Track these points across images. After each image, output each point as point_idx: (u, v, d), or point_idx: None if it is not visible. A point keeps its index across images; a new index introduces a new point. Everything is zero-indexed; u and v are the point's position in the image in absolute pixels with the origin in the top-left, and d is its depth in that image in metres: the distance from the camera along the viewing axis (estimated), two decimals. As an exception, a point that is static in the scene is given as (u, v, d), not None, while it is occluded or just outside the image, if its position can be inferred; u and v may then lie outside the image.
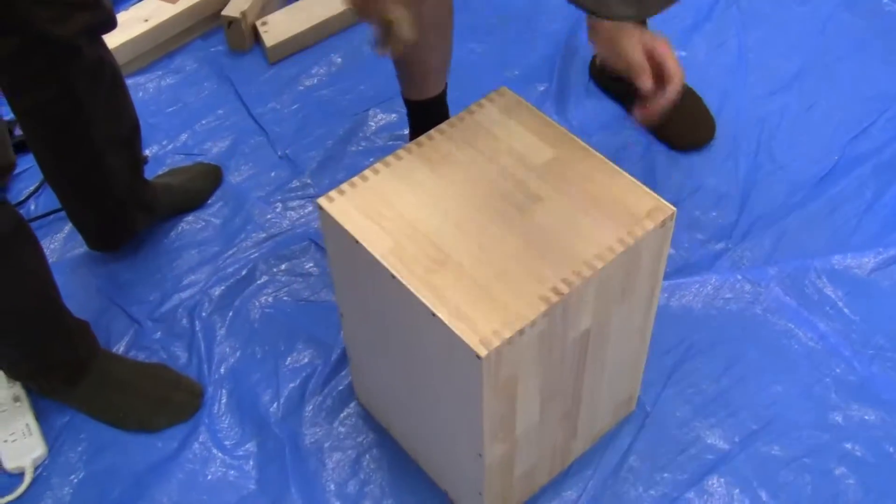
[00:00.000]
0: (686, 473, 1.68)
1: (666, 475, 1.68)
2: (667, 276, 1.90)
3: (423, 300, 1.25)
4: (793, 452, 1.70)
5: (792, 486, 1.66)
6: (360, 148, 2.19)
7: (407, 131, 2.06)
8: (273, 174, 2.16)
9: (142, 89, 2.36)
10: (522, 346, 1.25)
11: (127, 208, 1.90)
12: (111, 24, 1.66)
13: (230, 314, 1.92)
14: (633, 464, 1.69)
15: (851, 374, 1.80)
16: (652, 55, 1.53)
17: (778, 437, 1.72)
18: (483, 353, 1.20)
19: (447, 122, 1.48)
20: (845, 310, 1.89)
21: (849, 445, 1.71)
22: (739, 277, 1.93)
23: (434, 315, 1.24)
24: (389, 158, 1.43)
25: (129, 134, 1.83)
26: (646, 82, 1.51)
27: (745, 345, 1.84)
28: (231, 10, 2.39)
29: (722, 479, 1.67)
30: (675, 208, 1.35)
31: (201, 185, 2.10)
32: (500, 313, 1.24)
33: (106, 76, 1.70)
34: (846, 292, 1.92)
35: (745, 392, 1.78)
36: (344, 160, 2.16)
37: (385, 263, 1.29)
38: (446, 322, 1.23)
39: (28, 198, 2.12)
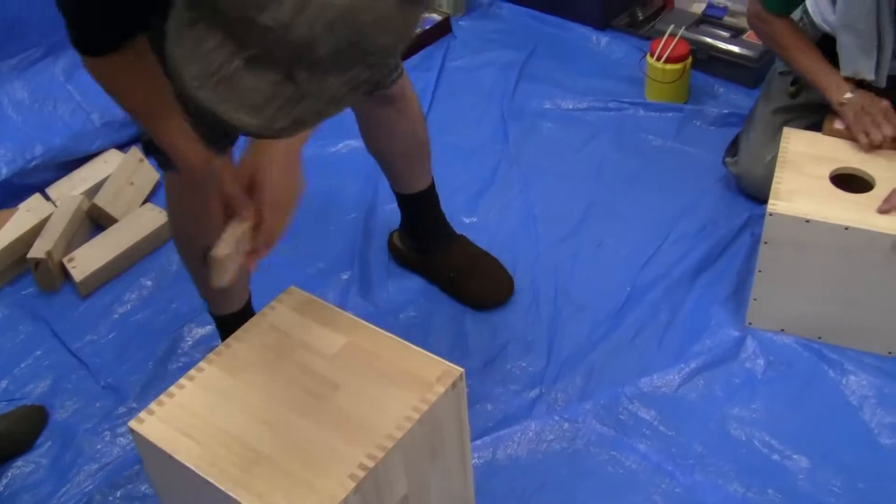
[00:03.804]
0: None
1: None
2: (488, 431, 2.00)
3: (238, 499, 1.31)
4: (633, 574, 1.78)
5: None
6: (181, 364, 2.24)
7: (221, 340, 2.12)
8: (98, 404, 2.17)
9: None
10: (341, 525, 1.32)
11: None
12: None
13: (72, 556, 1.91)
14: None
15: (677, 486, 1.89)
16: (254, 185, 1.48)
17: (618, 562, 1.80)
18: (301, 538, 1.26)
19: (242, 328, 1.57)
20: (661, 427, 2.00)
21: (686, 556, 1.80)
22: (557, 418, 2.03)
23: None
24: (192, 372, 1.50)
25: None
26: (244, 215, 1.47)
27: (573, 481, 1.92)
28: (36, 252, 2.43)
29: None
30: (462, 370, 1.45)
31: (26, 427, 2.10)
32: (314, 497, 1.30)
33: None
34: (658, 411, 2.03)
35: (583, 525, 1.86)
36: (166, 379, 2.19)
37: (198, 471, 1.35)
38: (264, 517, 1.29)
39: None
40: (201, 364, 1.52)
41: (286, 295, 1.61)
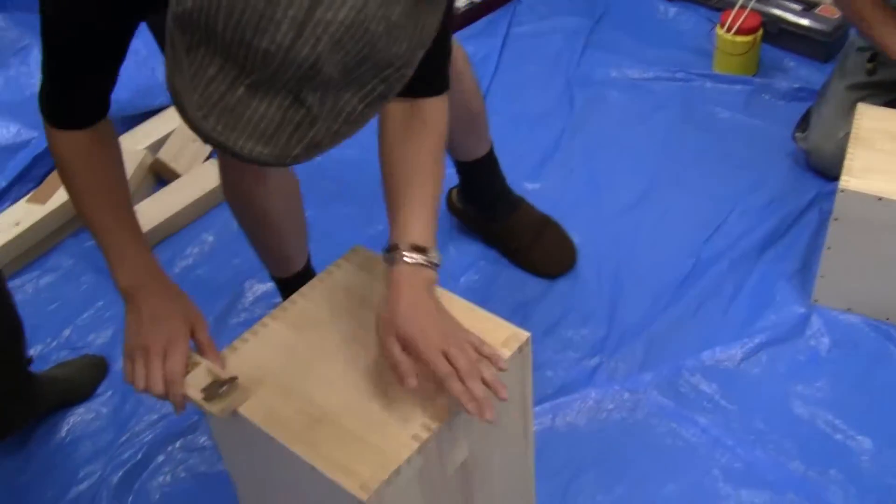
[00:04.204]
0: (592, 584, 1.72)
1: (573, 590, 1.72)
2: (548, 398, 1.99)
3: (302, 456, 1.30)
4: (693, 546, 1.76)
5: (696, 579, 1.72)
6: (241, 319, 2.25)
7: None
8: (158, 356, 2.19)
9: (20, 291, 2.39)
10: (402, 485, 1.30)
11: (3, 406, 1.92)
12: None
13: (130, 499, 1.92)
14: (541, 584, 1.74)
15: (736, 461, 1.88)
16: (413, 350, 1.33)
17: (676, 534, 1.78)
18: (364, 496, 1.24)
19: (308, 284, 1.56)
20: (722, 402, 1.98)
21: (745, 531, 1.78)
22: (617, 388, 2.01)
23: (314, 468, 1.29)
24: (256, 327, 1.50)
25: (8, 339, 1.85)
26: (407, 383, 1.31)
27: (632, 451, 1.91)
28: (100, 205, 2.45)
29: (627, 585, 1.72)
30: (529, 333, 1.43)
31: (87, 376, 2.12)
32: (377, 457, 1.29)
33: None
34: (720, 385, 2.01)
35: (640, 497, 1.84)
36: (227, 334, 2.21)
37: (261, 426, 1.34)
38: (326, 473, 1.28)
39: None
40: (265, 319, 1.51)
41: (352, 254, 1.60)
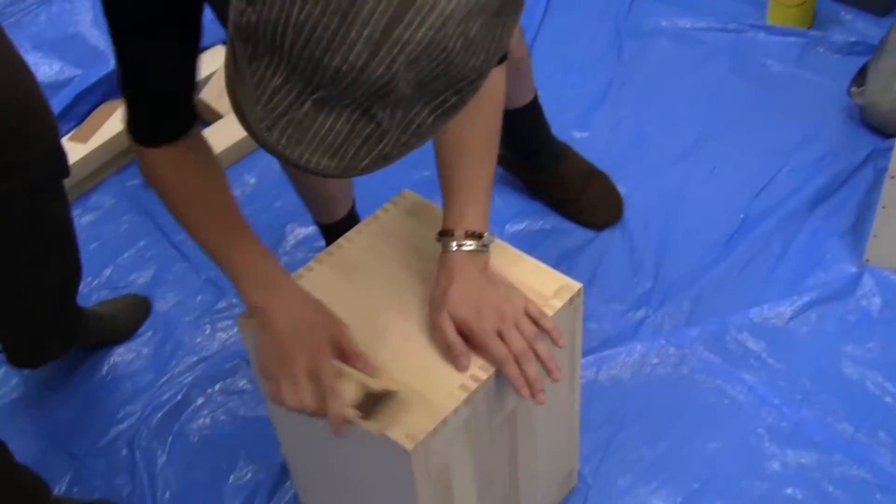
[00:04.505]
0: (634, 540, 1.71)
1: (615, 545, 1.71)
2: (593, 350, 1.96)
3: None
4: (736, 506, 1.74)
5: (739, 539, 1.70)
6: (282, 263, 2.22)
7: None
8: (199, 298, 2.19)
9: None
10: (449, 436, 1.29)
11: (47, 335, 1.91)
12: (58, 176, 1.69)
13: (170, 440, 1.92)
14: (582, 538, 1.72)
15: (783, 420, 1.85)
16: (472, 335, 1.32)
17: (720, 492, 1.76)
18: (410, 446, 1.23)
19: (354, 229, 1.53)
20: (769, 360, 1.95)
21: (790, 491, 1.75)
22: (663, 342, 1.98)
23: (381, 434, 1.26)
24: (301, 270, 1.48)
25: (64, 279, 1.85)
26: (459, 363, 1.31)
27: (677, 407, 1.89)
28: (142, 144, 2.43)
29: (669, 542, 1.70)
30: (581, 285, 1.40)
31: (130, 315, 2.12)
32: (424, 407, 1.27)
33: (44, 229, 1.71)
34: (768, 343, 1.98)
35: (683, 453, 1.82)
36: (267, 277, 2.20)
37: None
38: (372, 421, 1.26)
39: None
40: (311, 263, 1.49)
41: (399, 198, 1.57)
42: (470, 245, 1.35)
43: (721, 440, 1.83)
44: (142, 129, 1.28)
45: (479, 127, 1.38)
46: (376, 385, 1.26)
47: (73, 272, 1.87)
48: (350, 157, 0.94)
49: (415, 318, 1.39)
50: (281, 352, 1.27)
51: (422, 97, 0.92)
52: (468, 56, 0.90)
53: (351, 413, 1.23)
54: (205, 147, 1.35)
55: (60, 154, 1.70)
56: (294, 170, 1.88)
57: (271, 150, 0.94)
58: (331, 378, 1.24)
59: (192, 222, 1.34)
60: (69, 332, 1.95)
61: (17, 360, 1.95)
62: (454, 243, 1.35)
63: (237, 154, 2.52)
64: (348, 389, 1.26)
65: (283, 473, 1.84)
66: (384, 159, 0.96)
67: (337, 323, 1.32)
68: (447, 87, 0.92)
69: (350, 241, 1.52)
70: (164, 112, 1.26)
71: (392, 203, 1.56)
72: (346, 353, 1.29)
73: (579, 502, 1.76)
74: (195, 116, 1.30)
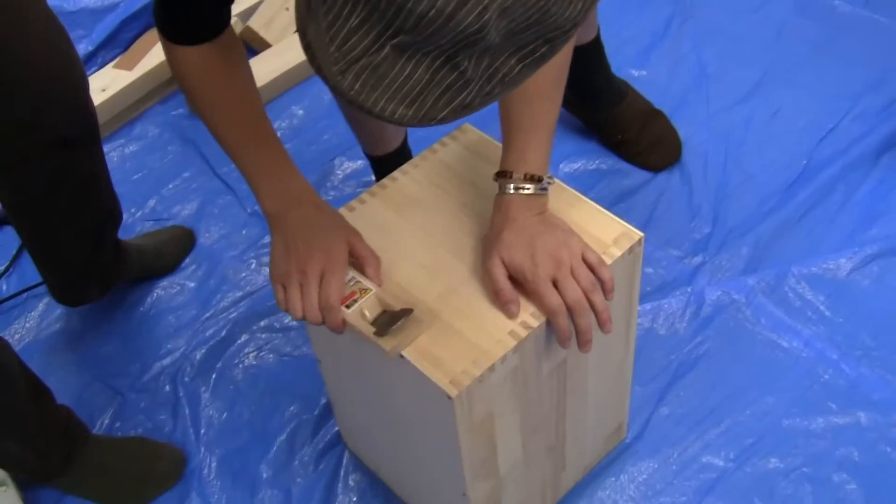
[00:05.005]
0: (685, 496, 1.66)
1: (664, 500, 1.66)
2: (647, 296, 1.90)
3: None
4: (790, 463, 1.69)
5: (792, 497, 1.64)
6: (330, 197, 2.18)
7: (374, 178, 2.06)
8: (244, 232, 2.15)
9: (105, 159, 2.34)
10: (494, 384, 1.24)
11: (86, 276, 1.88)
12: (88, 134, 1.66)
13: (213, 377, 1.90)
14: (630, 492, 1.68)
15: (841, 377, 1.79)
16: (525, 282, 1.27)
17: (774, 448, 1.71)
18: (454, 392, 1.18)
19: (410, 162, 1.48)
20: (828, 313, 1.88)
21: (845, 450, 1.70)
22: (719, 291, 1.92)
23: (403, 357, 1.23)
24: (353, 203, 1.43)
25: (98, 223, 1.81)
26: (508, 310, 1.26)
27: (732, 358, 1.83)
28: (189, 73, 2.38)
29: (722, 499, 1.65)
30: (642, 234, 1.34)
31: (174, 248, 2.09)
32: (470, 352, 1.22)
33: (67, 183, 1.67)
34: (827, 295, 1.91)
35: (737, 406, 1.77)
36: (314, 212, 2.15)
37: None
38: (416, 364, 1.22)
39: (-1, 276, 2.11)
40: (363, 195, 1.44)
41: (459, 132, 1.51)
42: (528, 189, 1.29)
43: (776, 394, 1.78)
44: (172, 23, 1.24)
45: (548, 68, 1.32)
46: (394, 303, 1.24)
47: (108, 217, 1.83)
48: (429, 106, 0.88)
49: (467, 259, 1.33)
50: (292, 260, 1.27)
51: (511, 46, 0.86)
52: (565, 5, 0.84)
53: (364, 327, 1.22)
54: (237, 50, 1.31)
55: (88, 114, 1.65)
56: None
57: (343, 96, 0.88)
58: (335, 287, 1.24)
59: (218, 125, 1.31)
60: (108, 273, 1.91)
61: (58, 297, 1.93)
62: (511, 186, 1.29)
63: (285, 85, 2.47)
64: (367, 304, 1.25)
65: (326, 412, 1.81)
66: (465, 109, 0.90)
67: (350, 231, 1.31)
68: (539, 36, 0.86)
69: (405, 175, 1.46)
70: (197, 9, 1.22)
71: (451, 137, 1.50)
72: (359, 258, 1.29)
73: (628, 457, 1.71)
74: (229, 16, 1.26)
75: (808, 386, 1.78)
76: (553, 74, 1.33)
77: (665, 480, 1.68)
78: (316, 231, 1.29)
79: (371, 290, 1.26)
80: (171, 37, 1.25)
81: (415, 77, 0.86)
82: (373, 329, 1.23)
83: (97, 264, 1.86)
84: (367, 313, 1.25)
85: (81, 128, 1.65)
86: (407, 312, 1.23)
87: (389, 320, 1.24)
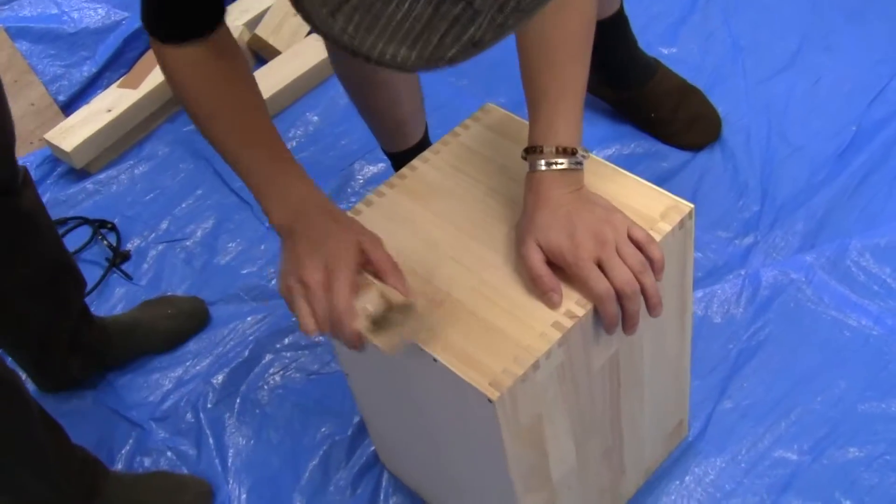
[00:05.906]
0: (758, 496, 1.54)
1: (735, 502, 1.53)
2: (698, 283, 1.79)
3: (423, 346, 1.12)
4: (871, 451, 1.56)
5: (878, 488, 1.52)
6: (351, 203, 2.06)
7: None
8: (263, 247, 2.07)
9: (115, 182, 2.27)
10: (540, 383, 1.12)
11: (56, 353, 1.77)
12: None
13: (237, 401, 1.80)
14: (697, 495, 1.55)
15: (916, 354, 1.65)
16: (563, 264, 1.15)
17: (851, 437, 1.58)
18: (495, 395, 1.06)
19: (430, 149, 1.37)
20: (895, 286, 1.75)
21: (930, 433, 1.56)
22: (775, 271, 1.79)
23: (436, 360, 1.10)
24: (371, 197, 1.31)
25: (50, 277, 1.69)
26: (549, 299, 1.14)
27: (796, 342, 1.71)
28: (196, 86, 2.29)
29: (800, 495, 1.52)
30: (692, 205, 1.21)
31: (178, 325, 1.92)
32: (510, 349, 1.10)
33: (6, 228, 1.57)
34: (894, 267, 1.78)
35: (807, 394, 1.64)
36: (336, 218, 2.05)
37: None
38: (450, 367, 1.10)
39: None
40: (381, 188, 1.32)
41: (481, 112, 1.39)
42: (561, 163, 1.16)
43: (848, 378, 1.65)
44: (160, 21, 1.14)
45: (572, 27, 1.18)
46: (397, 298, 1.11)
47: (60, 269, 1.71)
48: (434, 45, 0.75)
49: (500, 248, 1.21)
50: (296, 267, 1.14)
51: None
52: None
53: (363, 325, 1.09)
54: (233, 49, 1.20)
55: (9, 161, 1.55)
56: (360, 92, 1.72)
57: (336, 41, 0.75)
58: (342, 293, 1.09)
59: (216, 133, 1.21)
60: (87, 350, 1.80)
61: (37, 381, 1.84)
62: (543, 161, 1.16)
63: (298, 91, 2.39)
64: (367, 299, 1.11)
65: (361, 430, 1.70)
66: (475, 46, 0.77)
67: (365, 233, 1.17)
68: None
69: (425, 162, 1.34)
70: (190, 2, 1.12)
71: (473, 119, 1.38)
72: (376, 264, 1.14)
73: (692, 455, 1.59)
74: (222, 11, 1.15)
75: (882, 366, 1.65)
76: (579, 37, 1.20)
77: (735, 480, 1.55)
78: (324, 239, 1.15)
79: (373, 284, 1.12)
80: (161, 35, 1.15)
81: (415, 12, 0.73)
82: (370, 326, 1.10)
83: (67, 329, 1.75)
84: (368, 307, 1.11)
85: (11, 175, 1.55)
86: (406, 307, 1.11)
87: (391, 315, 1.11)
